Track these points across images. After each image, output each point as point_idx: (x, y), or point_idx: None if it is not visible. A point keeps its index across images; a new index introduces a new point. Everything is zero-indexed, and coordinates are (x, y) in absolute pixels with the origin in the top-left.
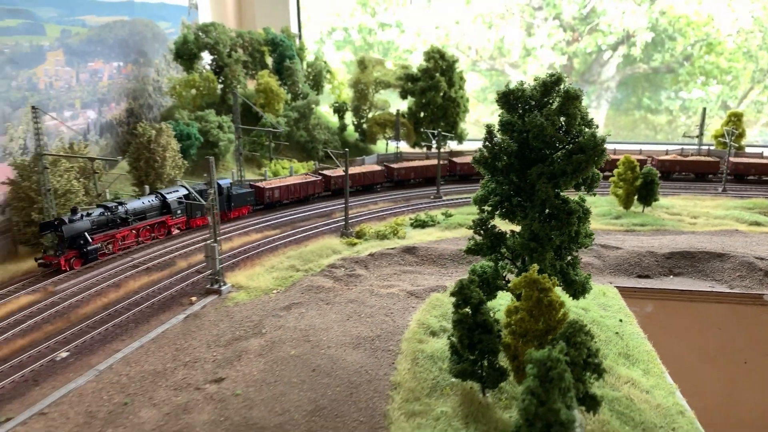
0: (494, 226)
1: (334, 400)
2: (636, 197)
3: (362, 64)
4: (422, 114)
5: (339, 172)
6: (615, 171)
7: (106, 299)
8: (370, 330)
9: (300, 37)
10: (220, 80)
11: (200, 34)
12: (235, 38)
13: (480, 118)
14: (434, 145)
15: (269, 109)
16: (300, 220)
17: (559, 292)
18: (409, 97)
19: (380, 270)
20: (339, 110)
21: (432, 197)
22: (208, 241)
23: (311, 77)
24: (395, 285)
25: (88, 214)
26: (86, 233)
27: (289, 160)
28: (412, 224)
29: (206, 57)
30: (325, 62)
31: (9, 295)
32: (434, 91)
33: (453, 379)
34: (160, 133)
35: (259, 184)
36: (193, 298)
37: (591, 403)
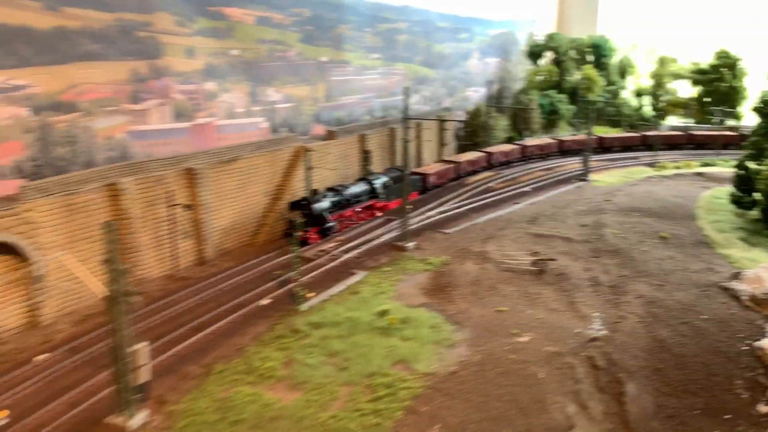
0: (763, 145)
1: (671, 207)
2: None
3: (661, 61)
4: (707, 99)
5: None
6: None
7: (527, 178)
8: (681, 195)
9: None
10: (557, 71)
11: (547, 40)
12: (569, 42)
13: None
14: (714, 121)
15: (590, 92)
16: (620, 159)
17: None
18: (698, 86)
19: (679, 181)
20: (639, 94)
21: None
22: (582, 156)
23: (619, 70)
24: (691, 186)
25: (325, 196)
26: (325, 212)
27: (602, 126)
28: (700, 165)
29: (547, 55)
30: (630, 59)
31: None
32: (720, 81)
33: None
34: (531, 102)
35: (419, 170)
36: (575, 181)
37: None
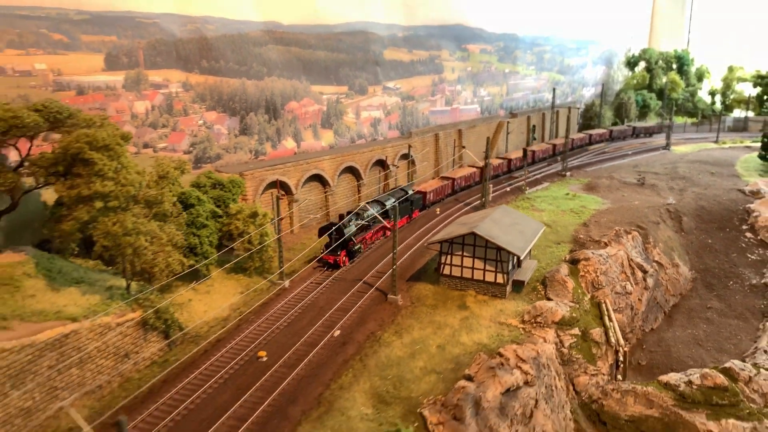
0: None
1: (720, 160)
2: None
3: (730, 69)
4: (765, 97)
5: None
6: None
7: (628, 147)
8: (729, 156)
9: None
10: (648, 76)
11: (641, 53)
12: (659, 55)
13: None
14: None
15: (673, 91)
16: (696, 138)
17: None
18: (759, 87)
19: (732, 150)
20: (712, 93)
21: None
22: (665, 133)
23: (697, 75)
24: (738, 152)
25: (350, 221)
26: (353, 237)
27: (682, 117)
28: (750, 141)
29: (641, 64)
30: (706, 67)
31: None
32: None
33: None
34: (630, 99)
35: (420, 188)
36: (661, 149)
37: None
